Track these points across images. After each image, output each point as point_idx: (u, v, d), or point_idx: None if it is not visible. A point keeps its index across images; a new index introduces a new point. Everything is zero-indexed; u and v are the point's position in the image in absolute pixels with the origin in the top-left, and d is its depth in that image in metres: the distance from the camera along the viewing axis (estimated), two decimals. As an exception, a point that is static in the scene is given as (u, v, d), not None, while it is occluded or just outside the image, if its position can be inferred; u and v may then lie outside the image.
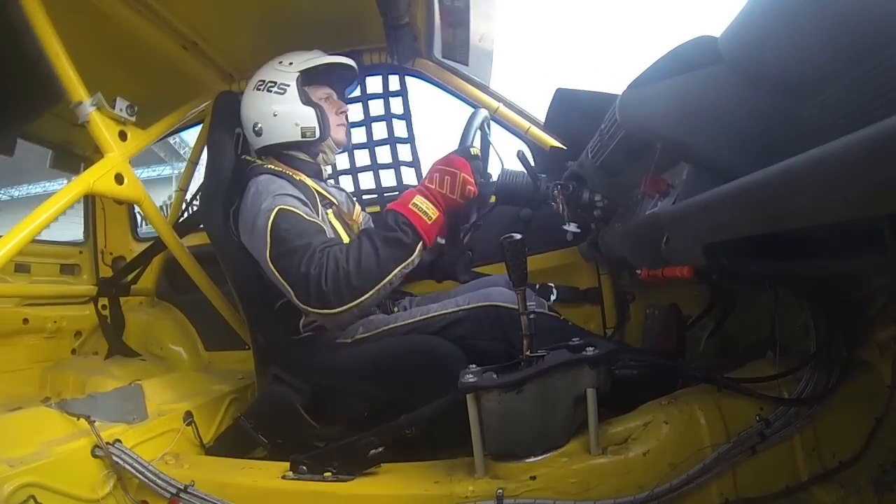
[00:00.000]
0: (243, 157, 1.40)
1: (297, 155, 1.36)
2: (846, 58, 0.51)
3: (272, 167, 1.27)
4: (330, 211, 1.31)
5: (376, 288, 1.03)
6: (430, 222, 1.06)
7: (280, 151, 1.35)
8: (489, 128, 1.39)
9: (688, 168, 0.74)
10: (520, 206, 1.61)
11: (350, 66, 1.43)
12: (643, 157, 0.90)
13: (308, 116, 1.31)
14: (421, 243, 1.05)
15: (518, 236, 0.91)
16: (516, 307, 1.09)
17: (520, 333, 0.91)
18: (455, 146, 1.15)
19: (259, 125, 1.32)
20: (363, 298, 1.02)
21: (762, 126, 0.63)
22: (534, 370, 0.87)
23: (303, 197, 1.19)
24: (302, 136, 1.32)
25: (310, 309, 1.04)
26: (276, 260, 1.07)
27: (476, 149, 1.13)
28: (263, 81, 1.33)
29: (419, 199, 1.07)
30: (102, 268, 2.22)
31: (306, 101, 1.31)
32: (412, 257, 1.05)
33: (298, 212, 1.13)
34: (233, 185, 1.30)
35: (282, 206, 1.11)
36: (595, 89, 1.41)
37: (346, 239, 1.30)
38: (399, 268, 1.04)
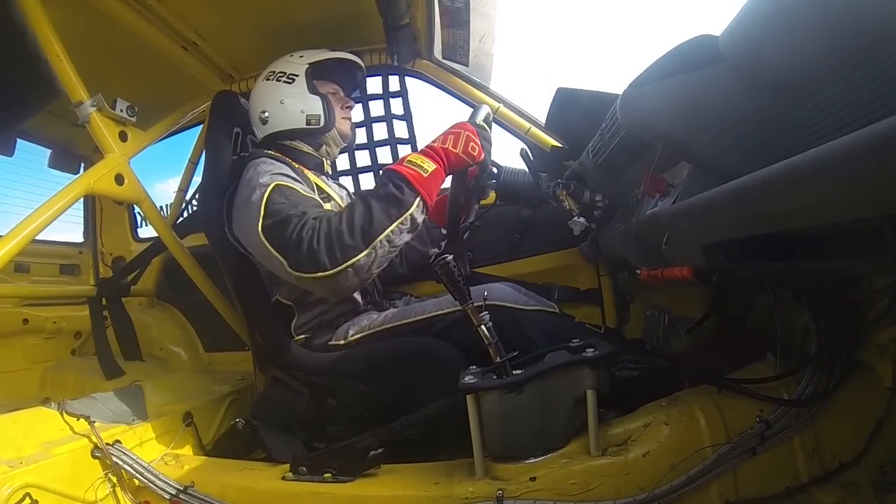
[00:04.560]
0: (240, 154, 1.40)
1: (300, 146, 1.36)
2: (846, 58, 0.51)
3: (271, 153, 1.28)
4: (328, 206, 1.31)
5: (371, 245, 0.97)
6: (425, 175, 1.02)
7: (283, 142, 1.35)
8: (490, 128, 1.39)
9: (688, 168, 0.74)
10: (520, 205, 1.61)
11: (358, 66, 1.46)
12: (644, 156, 0.90)
13: (314, 104, 1.33)
14: (418, 198, 1.01)
15: (449, 257, 0.91)
16: (517, 307, 1.09)
17: (483, 345, 0.92)
18: None
19: (266, 113, 1.34)
20: (357, 257, 0.96)
21: (762, 126, 0.63)
22: (534, 371, 0.87)
23: (299, 179, 1.19)
24: (307, 124, 1.33)
25: (303, 275, 0.97)
26: (268, 230, 1.02)
27: (484, 125, 1.13)
28: (273, 72, 1.36)
29: (414, 156, 1.05)
30: (102, 268, 2.22)
31: (313, 90, 1.33)
32: (408, 212, 1.00)
33: (295, 187, 1.12)
34: (229, 183, 1.28)
35: (279, 182, 1.10)
36: (596, 89, 1.41)
37: None
38: (395, 224, 0.99)
